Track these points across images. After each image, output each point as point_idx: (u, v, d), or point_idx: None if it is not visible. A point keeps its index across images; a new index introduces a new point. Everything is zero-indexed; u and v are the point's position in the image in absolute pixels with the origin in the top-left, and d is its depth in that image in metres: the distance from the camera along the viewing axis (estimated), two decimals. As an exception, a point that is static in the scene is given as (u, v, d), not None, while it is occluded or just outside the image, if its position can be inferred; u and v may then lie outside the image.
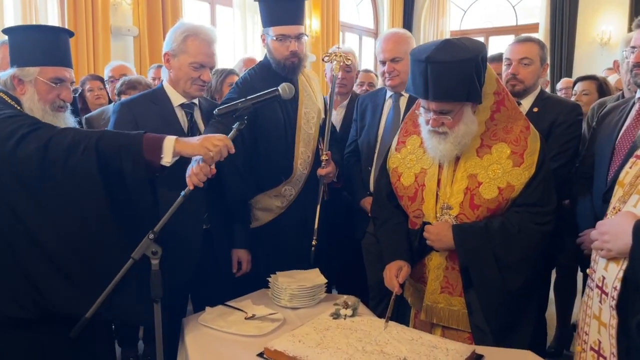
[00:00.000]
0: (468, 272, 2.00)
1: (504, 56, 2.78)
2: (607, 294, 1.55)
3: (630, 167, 1.68)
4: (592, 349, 1.63)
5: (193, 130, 2.35)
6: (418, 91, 1.92)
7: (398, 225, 2.18)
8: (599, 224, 1.60)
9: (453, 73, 1.83)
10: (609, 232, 1.53)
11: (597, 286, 1.60)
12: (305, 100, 2.66)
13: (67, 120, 2.06)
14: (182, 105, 2.35)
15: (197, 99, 2.40)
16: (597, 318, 1.60)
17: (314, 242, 2.61)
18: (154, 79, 4.23)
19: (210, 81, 2.38)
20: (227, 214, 2.48)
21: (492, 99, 2.01)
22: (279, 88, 1.99)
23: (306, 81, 2.71)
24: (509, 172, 1.95)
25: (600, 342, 1.59)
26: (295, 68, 2.58)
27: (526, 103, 2.72)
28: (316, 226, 2.62)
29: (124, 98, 3.01)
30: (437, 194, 2.03)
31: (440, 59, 1.82)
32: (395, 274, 2.02)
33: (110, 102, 3.97)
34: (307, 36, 2.69)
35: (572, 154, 2.59)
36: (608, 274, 1.55)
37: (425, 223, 2.06)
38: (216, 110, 2.00)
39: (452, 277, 2.05)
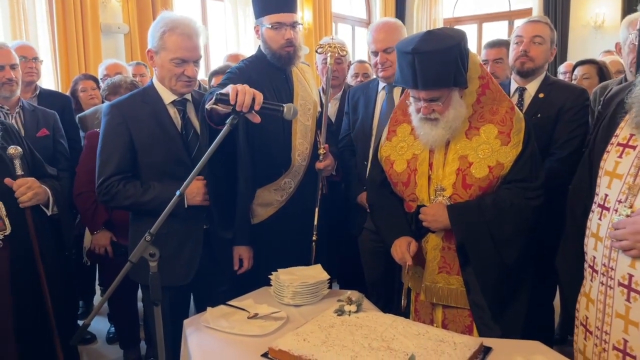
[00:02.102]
0: (464, 251, 2.05)
1: (514, 34, 2.77)
2: (638, 292, 1.51)
3: (621, 157, 1.60)
4: (615, 348, 1.59)
5: (187, 128, 2.29)
6: (407, 82, 1.98)
7: (396, 208, 2.23)
8: (627, 222, 1.52)
9: (439, 61, 1.89)
10: None
11: (621, 284, 1.56)
12: (300, 92, 2.60)
13: None
14: (173, 103, 2.28)
15: (189, 93, 2.33)
16: (622, 317, 1.56)
17: (314, 238, 2.58)
18: (134, 75, 4.18)
19: (196, 76, 2.29)
20: (227, 212, 2.42)
21: (477, 83, 2.09)
22: (284, 106, 1.85)
23: (300, 73, 2.66)
24: (497, 151, 2.01)
25: (626, 342, 1.56)
26: (291, 58, 2.51)
27: (531, 88, 2.68)
28: (316, 222, 2.58)
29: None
30: (429, 177, 2.09)
31: (426, 49, 1.89)
32: (405, 248, 2.08)
33: (104, 101, 3.90)
34: (301, 25, 2.62)
35: (580, 141, 2.54)
36: (637, 271, 1.51)
37: (420, 206, 2.10)
38: (217, 94, 1.82)
39: (449, 257, 2.11)
